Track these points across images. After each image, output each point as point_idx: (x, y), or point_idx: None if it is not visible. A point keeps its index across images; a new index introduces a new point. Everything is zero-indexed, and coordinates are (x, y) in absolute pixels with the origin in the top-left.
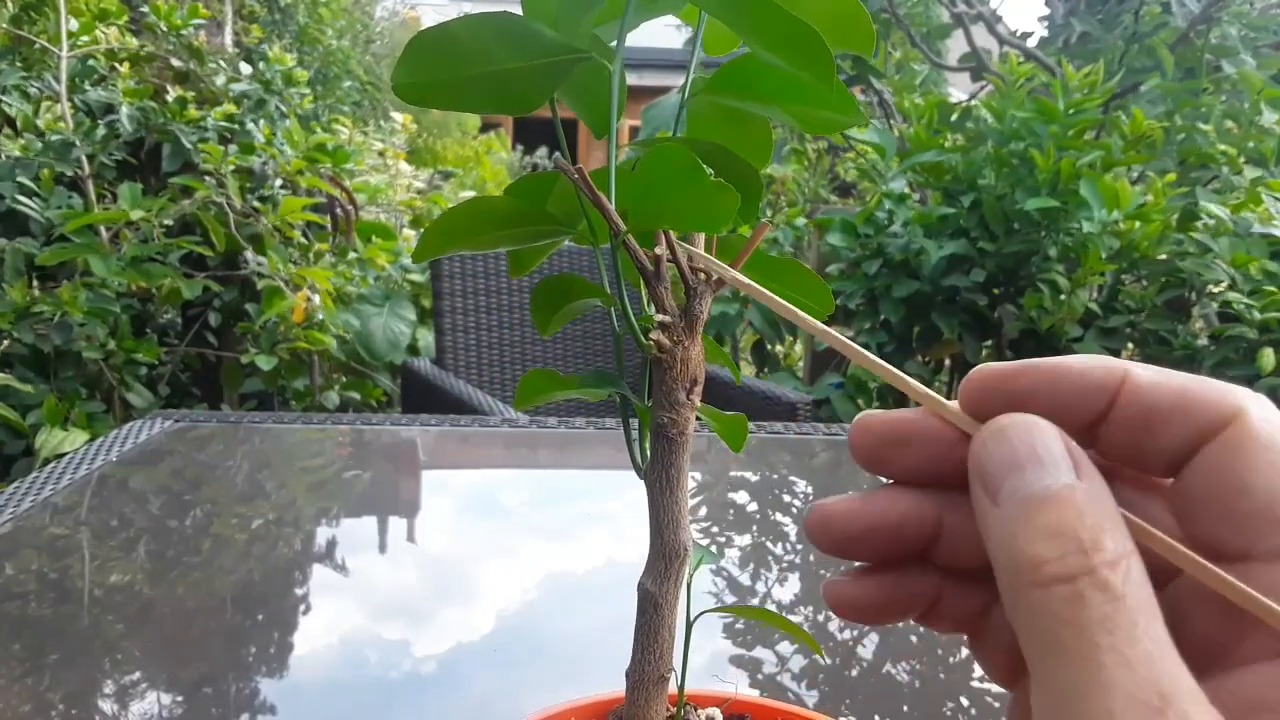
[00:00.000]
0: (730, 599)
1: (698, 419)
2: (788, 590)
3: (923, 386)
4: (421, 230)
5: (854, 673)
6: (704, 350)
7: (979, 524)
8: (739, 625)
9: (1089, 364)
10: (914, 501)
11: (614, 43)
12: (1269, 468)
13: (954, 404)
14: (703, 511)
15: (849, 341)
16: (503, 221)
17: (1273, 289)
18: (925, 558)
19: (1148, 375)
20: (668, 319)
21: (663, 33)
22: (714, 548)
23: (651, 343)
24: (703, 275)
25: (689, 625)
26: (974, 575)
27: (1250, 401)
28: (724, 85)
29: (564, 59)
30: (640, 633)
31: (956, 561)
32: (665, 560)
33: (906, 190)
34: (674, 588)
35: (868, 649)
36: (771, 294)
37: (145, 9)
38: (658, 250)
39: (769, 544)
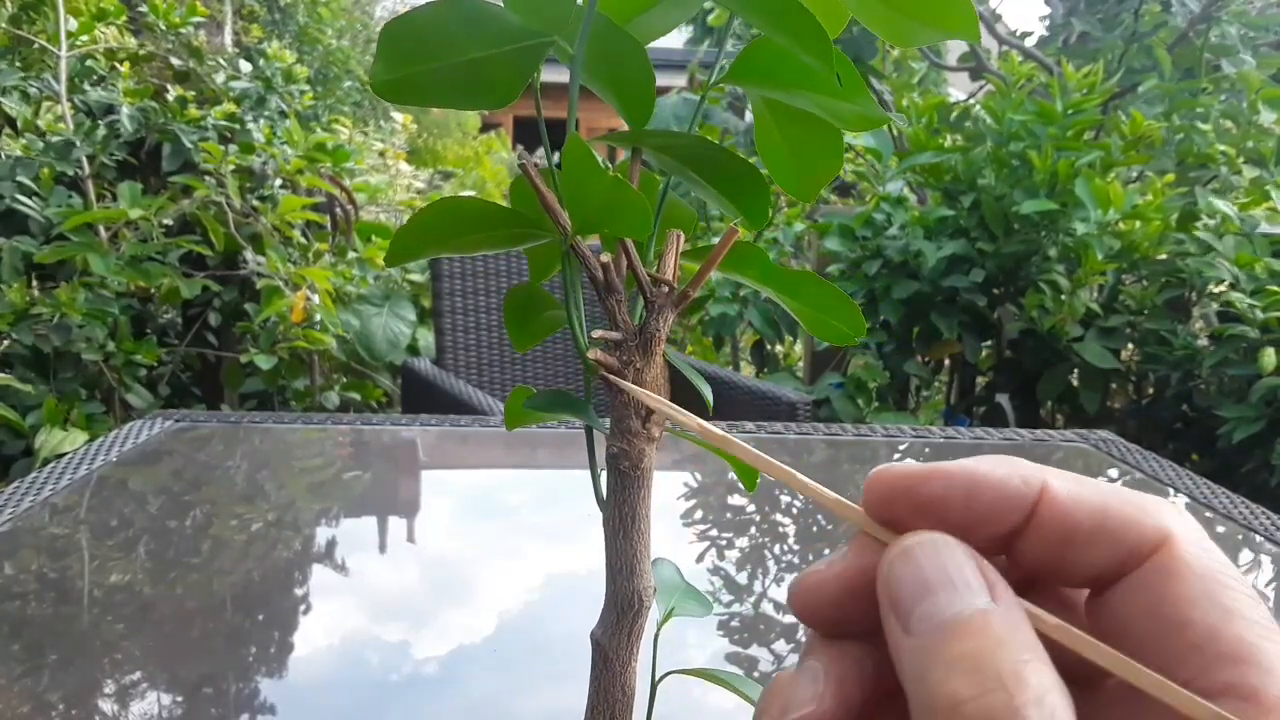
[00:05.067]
0: (727, 598)
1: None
2: (784, 590)
3: (838, 497)
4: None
5: None
6: (665, 371)
7: (892, 654)
8: (734, 624)
9: (1005, 473)
10: (857, 656)
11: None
12: (1206, 599)
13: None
14: (699, 514)
15: (785, 468)
16: (474, 224)
17: (1275, 288)
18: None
19: (1066, 488)
20: (615, 335)
21: None
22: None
23: (593, 361)
24: (665, 288)
25: (653, 687)
26: None
27: (1176, 522)
28: (744, 72)
29: (532, 45)
30: (591, 689)
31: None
32: (618, 611)
33: (905, 192)
34: (627, 641)
35: None
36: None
37: (144, 8)
38: (603, 258)
39: (767, 545)
